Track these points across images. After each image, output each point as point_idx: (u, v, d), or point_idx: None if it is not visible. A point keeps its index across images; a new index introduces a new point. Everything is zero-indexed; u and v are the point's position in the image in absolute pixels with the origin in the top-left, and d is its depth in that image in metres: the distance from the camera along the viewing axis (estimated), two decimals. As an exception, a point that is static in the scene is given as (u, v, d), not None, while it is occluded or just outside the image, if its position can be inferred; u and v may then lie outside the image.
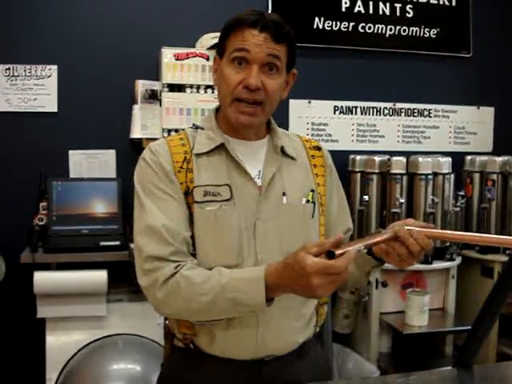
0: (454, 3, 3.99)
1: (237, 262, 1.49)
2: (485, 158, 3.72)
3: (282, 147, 1.62)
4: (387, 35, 3.88)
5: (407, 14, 3.91)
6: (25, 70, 3.32)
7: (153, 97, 3.32)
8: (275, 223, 1.54)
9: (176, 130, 3.23)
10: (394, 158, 3.46)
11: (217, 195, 1.51)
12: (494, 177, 3.60)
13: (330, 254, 1.25)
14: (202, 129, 1.61)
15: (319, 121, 3.83)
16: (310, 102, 3.80)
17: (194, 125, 1.65)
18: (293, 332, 1.58)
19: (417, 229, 1.39)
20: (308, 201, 1.61)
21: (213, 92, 3.28)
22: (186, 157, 1.54)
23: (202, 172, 1.53)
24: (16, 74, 3.31)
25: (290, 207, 1.58)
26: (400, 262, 1.44)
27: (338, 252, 1.24)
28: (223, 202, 1.51)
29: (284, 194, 1.57)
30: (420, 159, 3.42)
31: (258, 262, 1.50)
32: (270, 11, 3.60)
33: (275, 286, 1.35)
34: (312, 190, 1.63)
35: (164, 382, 1.68)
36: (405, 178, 3.42)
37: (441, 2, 3.97)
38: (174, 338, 1.62)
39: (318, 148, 1.73)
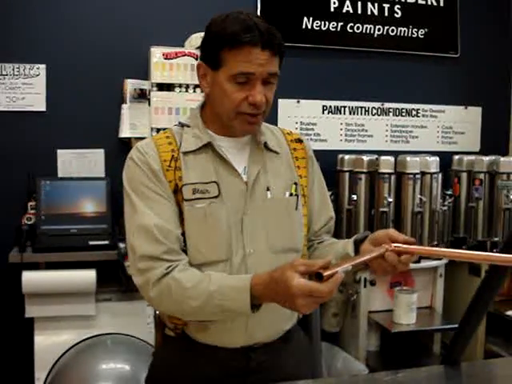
0: (441, 4, 4.01)
1: (226, 257, 1.55)
2: (472, 157, 3.74)
3: (265, 143, 1.66)
4: (375, 35, 3.90)
5: (395, 15, 3.92)
6: (13, 69, 3.31)
7: (142, 96, 3.32)
8: (261, 218, 1.59)
9: (164, 130, 3.22)
10: (382, 158, 3.47)
11: (205, 192, 1.54)
12: (482, 176, 3.62)
13: (319, 276, 1.26)
14: (188, 126, 1.63)
15: (308, 120, 3.83)
16: (298, 102, 3.80)
17: (179, 123, 1.67)
18: (280, 320, 1.64)
19: (404, 246, 1.41)
20: (291, 194, 1.66)
21: (202, 91, 3.27)
22: (173, 155, 1.57)
23: (189, 170, 1.56)
24: (4, 72, 3.30)
25: (275, 201, 1.62)
26: (384, 272, 1.47)
27: (326, 274, 1.26)
28: (212, 198, 1.55)
29: (268, 189, 1.62)
30: (408, 159, 3.44)
31: (247, 256, 1.56)
32: (258, 11, 3.60)
33: (260, 296, 1.39)
34: (295, 183, 1.68)
35: (156, 371, 1.72)
36: (393, 177, 3.43)
37: (429, 3, 3.99)
38: (164, 328, 1.66)
39: (300, 140, 1.77)
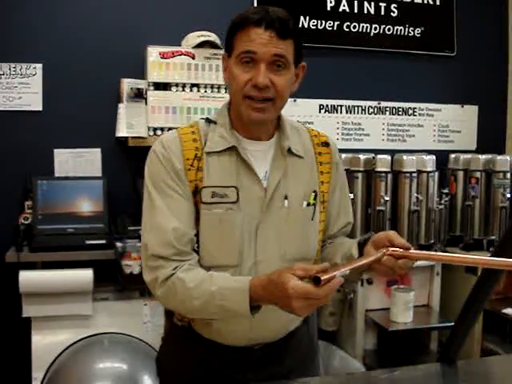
0: (438, 2, 4.02)
1: (237, 263, 1.56)
2: (468, 156, 3.75)
3: (289, 148, 1.63)
4: (372, 34, 3.90)
5: (392, 13, 3.93)
6: (9, 69, 3.30)
7: (138, 95, 3.31)
8: (276, 226, 1.59)
9: (161, 129, 3.22)
10: (379, 156, 3.48)
11: (224, 197, 1.55)
12: (478, 175, 3.63)
13: (316, 280, 1.27)
14: (215, 123, 1.62)
15: (304, 119, 3.83)
16: (295, 101, 3.80)
17: (207, 118, 1.65)
18: (285, 322, 1.66)
19: (401, 250, 1.43)
20: (309, 204, 1.64)
21: (198, 90, 3.28)
22: (196, 154, 1.57)
23: (211, 172, 1.56)
24: (1, 72, 3.29)
25: (290, 211, 1.61)
26: (385, 275, 1.50)
27: (323, 278, 1.26)
28: (229, 204, 1.55)
29: (286, 198, 1.60)
30: (404, 157, 3.44)
31: (257, 263, 1.57)
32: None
33: (259, 298, 1.40)
34: (314, 191, 1.66)
35: (164, 354, 1.80)
36: (389, 175, 3.44)
37: (425, 2, 4.00)
38: (173, 316, 1.70)
39: (327, 144, 1.75)
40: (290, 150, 1.64)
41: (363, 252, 1.54)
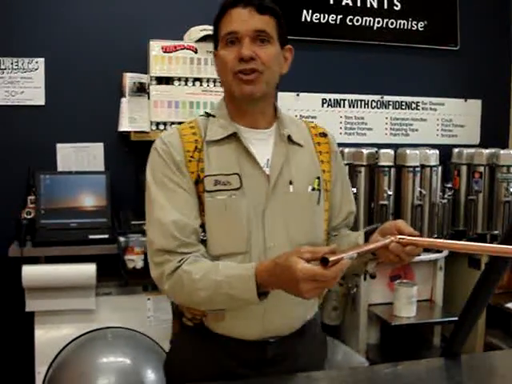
0: (441, -4, 4.01)
1: (245, 250, 1.56)
2: (472, 150, 3.74)
3: (289, 136, 1.66)
4: (375, 28, 3.89)
5: (395, 7, 3.91)
6: (12, 63, 3.30)
7: (141, 90, 3.30)
8: (283, 212, 1.60)
9: (164, 123, 3.22)
10: (382, 151, 3.47)
11: (227, 184, 1.56)
12: (481, 169, 3.61)
13: (324, 261, 1.26)
14: (214, 116, 1.64)
15: (307, 113, 3.82)
16: (298, 95, 3.80)
17: (206, 113, 1.68)
18: (298, 314, 1.66)
19: (408, 237, 1.44)
20: (314, 188, 1.66)
21: (201, 85, 3.27)
22: (196, 146, 1.58)
23: (212, 161, 1.57)
24: (3, 67, 3.29)
25: (297, 196, 1.62)
26: (391, 262, 1.49)
27: (331, 259, 1.26)
28: (233, 190, 1.56)
29: (291, 183, 1.62)
30: (408, 152, 3.43)
31: (266, 250, 1.57)
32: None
33: (266, 283, 1.40)
34: (318, 177, 1.67)
35: (173, 358, 1.76)
36: (393, 170, 3.42)
37: (428, -5, 3.99)
38: (182, 317, 1.67)
39: (324, 134, 1.78)
40: (290, 138, 1.66)
41: (369, 241, 1.54)
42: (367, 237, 1.58)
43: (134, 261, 2.97)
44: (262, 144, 1.63)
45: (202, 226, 1.55)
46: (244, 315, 1.56)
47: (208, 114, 1.66)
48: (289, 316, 1.63)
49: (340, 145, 3.65)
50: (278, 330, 1.62)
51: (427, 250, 3.38)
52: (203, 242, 1.56)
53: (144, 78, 3.31)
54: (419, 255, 1.41)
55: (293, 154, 1.65)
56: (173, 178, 1.55)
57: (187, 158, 1.56)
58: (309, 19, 3.76)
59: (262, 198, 1.58)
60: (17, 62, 3.30)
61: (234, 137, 1.60)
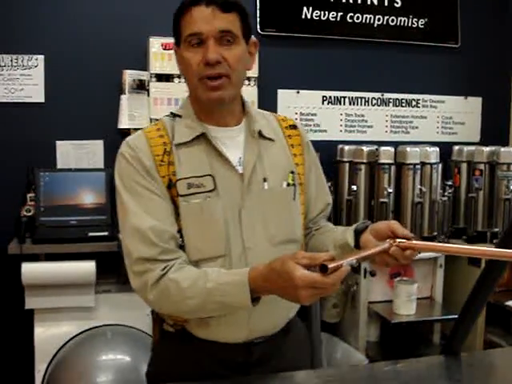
0: (441, -7, 4.00)
1: (224, 253, 1.51)
2: (472, 148, 3.73)
3: (260, 131, 1.61)
4: (375, 25, 3.88)
5: (395, 4, 3.90)
6: (11, 60, 3.29)
7: (140, 87, 3.30)
8: (259, 210, 1.56)
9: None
10: (382, 148, 3.47)
11: (200, 186, 1.51)
12: (482, 167, 3.61)
13: (323, 268, 1.25)
14: (180, 117, 1.60)
15: (307, 111, 3.82)
16: (298, 92, 3.79)
17: (171, 113, 1.63)
18: (282, 312, 1.62)
19: (407, 242, 1.42)
20: (288, 184, 1.62)
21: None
22: (165, 149, 1.53)
23: (183, 164, 1.52)
24: (2, 64, 3.28)
25: (272, 193, 1.58)
26: (386, 265, 1.47)
27: (330, 266, 1.25)
28: (207, 193, 1.51)
29: (265, 180, 1.58)
30: (408, 149, 3.43)
31: (246, 251, 1.53)
32: (258, 1, 3.60)
33: (260, 289, 1.38)
34: (292, 172, 1.64)
35: (156, 366, 1.69)
36: (393, 167, 3.43)
37: (429, -8, 3.98)
38: (162, 323, 1.62)
39: (294, 126, 1.72)
40: (260, 133, 1.61)
41: (360, 240, 1.52)
42: (357, 235, 1.54)
43: (134, 258, 2.97)
44: (232, 142, 1.58)
45: (179, 231, 1.50)
46: (229, 319, 1.52)
47: (174, 114, 1.61)
48: (274, 315, 1.59)
49: (340, 142, 3.71)
50: (263, 330, 1.59)
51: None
52: (181, 247, 1.50)
53: (144, 75, 3.31)
54: (415, 258, 1.41)
55: (265, 149, 1.61)
56: (144, 185, 1.49)
57: (157, 163, 1.50)
58: (309, 16, 3.75)
59: (237, 198, 1.53)
60: (16, 58, 3.29)
61: (202, 137, 1.55)
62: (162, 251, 1.46)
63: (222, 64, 1.47)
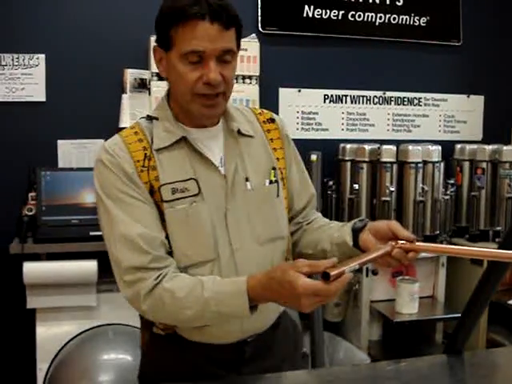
0: (443, -9, 3.99)
1: (213, 257, 1.49)
2: (474, 146, 3.73)
3: (239, 129, 1.59)
4: (377, 23, 3.87)
5: (397, 2, 3.89)
6: (12, 59, 3.29)
7: (142, 86, 3.30)
8: (244, 211, 1.54)
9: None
10: (384, 147, 3.46)
11: (185, 191, 1.47)
12: (484, 165, 3.60)
13: (326, 276, 1.24)
14: (157, 119, 1.55)
15: (309, 109, 3.81)
16: (299, 91, 3.78)
17: (147, 116, 1.58)
18: (273, 306, 1.57)
19: (409, 244, 1.41)
20: (271, 181, 1.60)
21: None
22: (146, 153, 1.48)
23: (165, 168, 1.48)
24: (3, 63, 3.28)
25: (255, 192, 1.56)
26: (388, 266, 1.46)
27: (333, 273, 1.24)
28: (192, 197, 1.48)
29: (247, 180, 1.55)
30: (410, 148, 3.43)
31: (234, 252, 1.51)
32: (259, 0, 3.59)
33: (258, 297, 1.36)
34: (273, 168, 1.62)
35: (147, 369, 1.66)
36: (395, 166, 3.42)
37: (430, -10, 3.97)
38: (152, 327, 1.59)
39: (272, 120, 1.69)
40: (239, 132, 1.59)
41: (359, 240, 1.51)
42: (355, 233, 1.53)
43: (136, 257, 2.96)
44: (212, 142, 1.55)
45: (166, 237, 1.47)
46: (222, 324, 1.50)
47: (150, 117, 1.55)
48: (265, 311, 1.56)
49: (342, 141, 3.71)
50: (256, 328, 1.58)
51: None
52: (169, 253, 1.47)
53: (145, 74, 3.31)
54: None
55: (245, 147, 1.58)
56: (128, 192, 1.44)
57: (138, 169, 1.45)
58: (310, 15, 3.74)
59: (221, 201, 1.51)
60: (17, 58, 3.29)
61: (183, 140, 1.51)
62: (153, 259, 1.42)
63: (221, 83, 1.43)
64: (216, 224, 1.50)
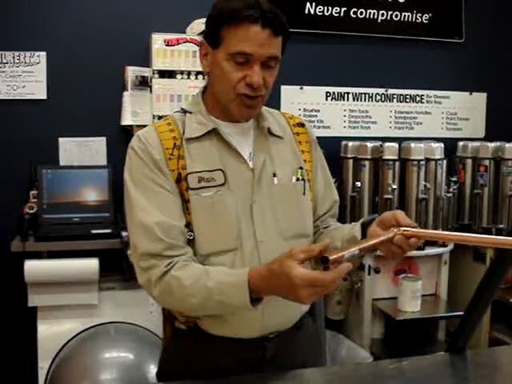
0: (446, -12, 3.98)
1: (236, 246, 1.52)
2: (477, 143, 3.72)
3: (269, 128, 1.63)
4: (379, 20, 3.86)
5: (399, 0, 3.89)
6: (13, 57, 3.28)
7: (143, 83, 3.29)
8: (270, 205, 1.57)
9: (166, 117, 3.21)
10: (387, 144, 3.45)
11: (211, 181, 1.52)
12: (487, 162, 3.60)
13: (324, 261, 1.23)
14: (191, 113, 1.60)
15: (311, 107, 3.81)
16: (301, 88, 3.78)
17: (181, 109, 1.63)
18: (295, 307, 1.59)
19: (412, 230, 1.40)
20: (298, 178, 1.64)
21: (203, 78, 3.25)
22: (175, 143, 1.53)
23: (194, 158, 1.53)
24: (4, 60, 3.27)
25: (282, 187, 1.60)
26: (392, 255, 1.46)
27: (331, 258, 1.23)
28: (218, 186, 1.52)
29: (274, 175, 1.60)
30: (412, 145, 3.42)
31: (258, 244, 1.53)
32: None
33: (259, 289, 1.37)
34: (300, 168, 1.66)
35: (168, 365, 1.68)
36: (397, 163, 3.41)
37: (433, -13, 3.95)
38: (174, 321, 1.62)
39: (302, 124, 1.75)
40: (269, 131, 1.63)
41: (367, 233, 1.51)
42: (364, 228, 1.54)
43: (137, 255, 2.96)
44: (242, 138, 1.60)
45: (188, 225, 1.51)
46: (243, 314, 1.51)
47: (184, 111, 1.61)
48: (288, 310, 1.58)
49: (344, 138, 3.70)
50: (277, 325, 1.59)
51: (432, 243, 3.37)
52: (190, 241, 1.51)
53: (146, 72, 3.30)
54: (421, 248, 1.40)
55: (273, 146, 1.63)
56: (153, 178, 1.50)
57: (167, 156, 1.51)
58: (312, 12, 3.73)
59: (248, 193, 1.55)
60: (18, 55, 3.28)
61: (214, 132, 1.56)
62: (168, 247, 1.46)
63: (262, 87, 1.49)
64: (241, 215, 1.53)
